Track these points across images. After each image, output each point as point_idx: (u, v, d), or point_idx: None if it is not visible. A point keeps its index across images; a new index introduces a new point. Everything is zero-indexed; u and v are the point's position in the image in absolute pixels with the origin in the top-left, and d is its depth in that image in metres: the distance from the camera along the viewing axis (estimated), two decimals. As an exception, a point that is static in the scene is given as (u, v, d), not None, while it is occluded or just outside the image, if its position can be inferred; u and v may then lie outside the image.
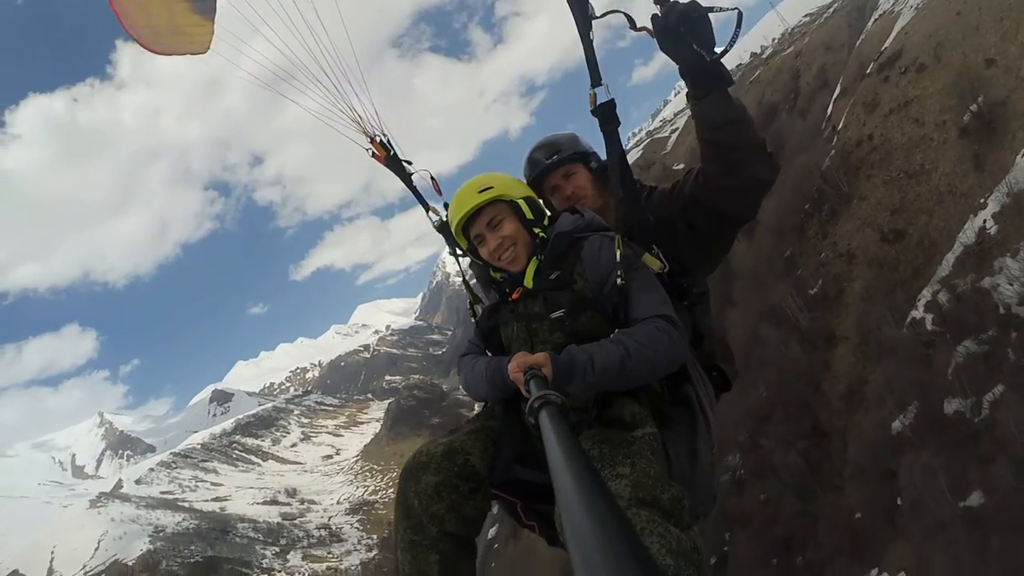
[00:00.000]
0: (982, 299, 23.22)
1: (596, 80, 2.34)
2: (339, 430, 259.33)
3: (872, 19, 52.36)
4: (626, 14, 2.28)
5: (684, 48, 2.18)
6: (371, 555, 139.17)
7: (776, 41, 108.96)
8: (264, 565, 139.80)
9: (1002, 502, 18.09)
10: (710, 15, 2.15)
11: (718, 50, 2.19)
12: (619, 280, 2.24)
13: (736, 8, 2.15)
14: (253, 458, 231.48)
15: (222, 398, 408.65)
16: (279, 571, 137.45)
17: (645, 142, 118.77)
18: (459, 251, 2.74)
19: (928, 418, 23.09)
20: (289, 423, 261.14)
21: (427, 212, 2.99)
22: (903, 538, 23.93)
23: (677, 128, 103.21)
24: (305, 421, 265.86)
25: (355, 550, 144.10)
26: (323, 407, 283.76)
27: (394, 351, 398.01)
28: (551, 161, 2.85)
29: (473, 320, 2.67)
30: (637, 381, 2.14)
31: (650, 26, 2.21)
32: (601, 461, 1.92)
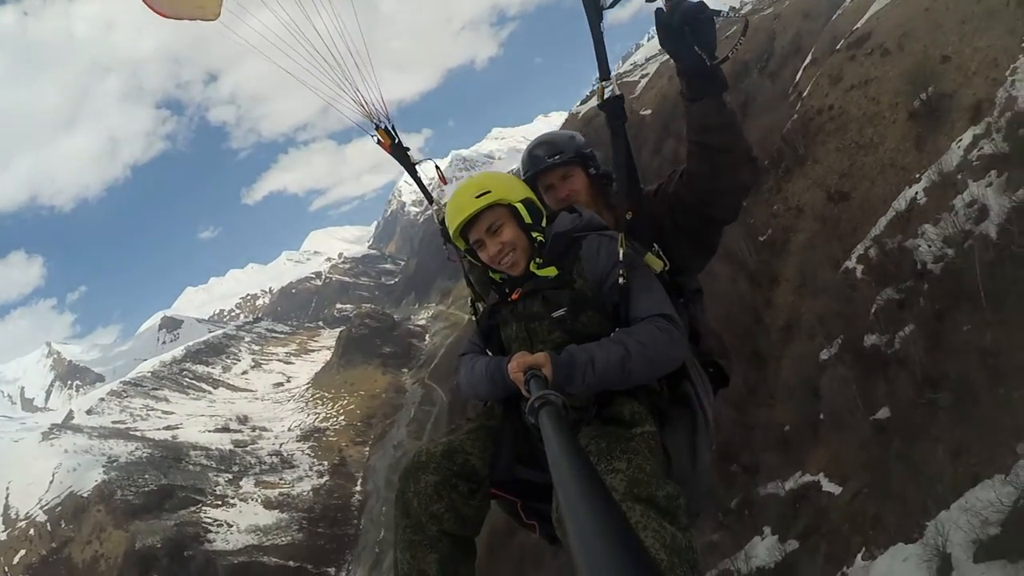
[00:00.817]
0: (904, 256, 26.40)
1: (605, 73, 2.26)
2: (290, 357, 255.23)
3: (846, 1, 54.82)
4: None
5: (685, 48, 2.12)
6: (322, 481, 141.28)
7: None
8: (218, 492, 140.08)
9: (903, 414, 21.66)
10: (716, 19, 2.11)
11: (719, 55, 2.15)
12: (621, 279, 2.23)
13: (744, 17, 2.16)
14: (204, 386, 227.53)
15: (171, 325, 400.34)
16: (232, 498, 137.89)
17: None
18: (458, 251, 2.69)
19: (851, 349, 26.78)
20: (240, 350, 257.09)
21: (430, 204, 2.98)
22: (823, 445, 27.37)
23: (648, 73, 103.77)
24: (256, 348, 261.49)
25: (307, 476, 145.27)
26: (274, 334, 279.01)
27: (346, 279, 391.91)
28: (552, 161, 2.81)
29: (473, 319, 2.65)
30: (637, 380, 2.13)
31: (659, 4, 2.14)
32: (598, 456, 1.94)
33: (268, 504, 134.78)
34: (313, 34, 2.71)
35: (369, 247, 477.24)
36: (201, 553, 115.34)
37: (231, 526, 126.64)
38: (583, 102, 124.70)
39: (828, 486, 24.13)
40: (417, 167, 3.05)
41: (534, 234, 2.38)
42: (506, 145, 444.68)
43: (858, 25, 42.39)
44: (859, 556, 17.22)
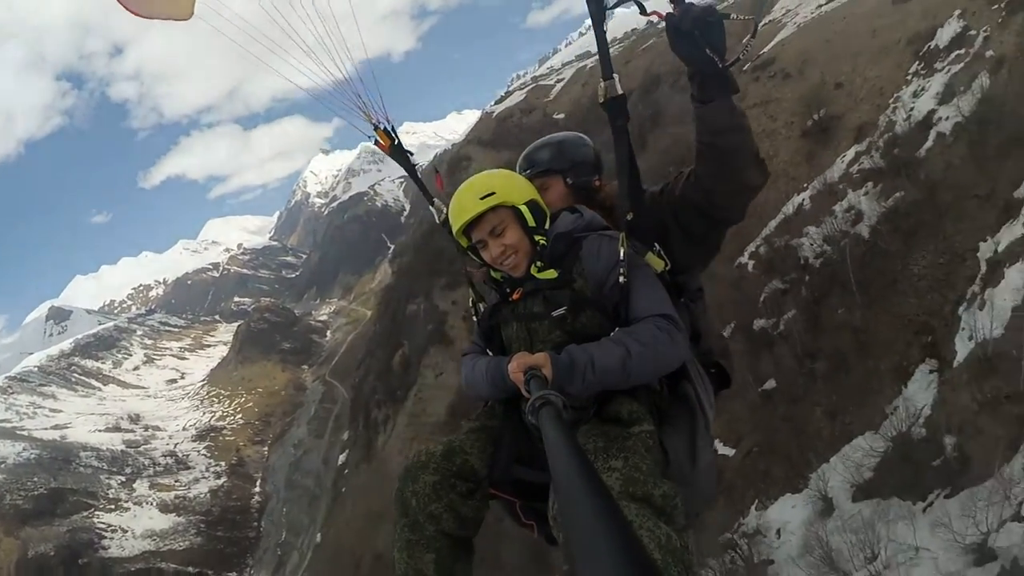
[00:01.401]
0: (789, 253, 28.94)
1: (608, 72, 2.28)
2: (184, 352, 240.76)
3: (762, 22, 58.78)
4: (638, 2, 2.23)
5: (696, 52, 2.13)
6: (220, 482, 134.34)
7: None
8: (111, 496, 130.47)
9: (786, 383, 24.19)
10: (725, 21, 2.11)
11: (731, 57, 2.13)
12: (621, 278, 2.23)
13: (752, 17, 2.18)
14: (93, 382, 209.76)
15: (59, 316, 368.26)
16: (126, 501, 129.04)
17: (529, 86, 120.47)
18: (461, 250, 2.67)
19: (743, 331, 28.71)
20: (131, 344, 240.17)
21: (430, 204, 2.97)
22: (722, 414, 30.34)
23: (563, 79, 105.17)
24: (148, 342, 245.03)
25: (203, 477, 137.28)
26: (167, 328, 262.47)
27: (245, 271, 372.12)
28: (526, 174, 2.78)
29: (474, 319, 2.67)
30: (637, 380, 2.14)
31: (663, 12, 2.16)
32: (595, 454, 1.94)
33: (164, 507, 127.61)
34: (307, 32, 2.68)
35: (270, 238, 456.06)
36: (97, 560, 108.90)
37: (126, 531, 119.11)
38: (498, 101, 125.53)
39: (723, 450, 26.40)
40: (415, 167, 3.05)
41: (537, 237, 2.38)
42: (417, 140, 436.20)
43: (765, 50, 45.89)
44: (753, 507, 19.09)
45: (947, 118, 21.30)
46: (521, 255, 2.40)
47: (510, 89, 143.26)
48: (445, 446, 2.27)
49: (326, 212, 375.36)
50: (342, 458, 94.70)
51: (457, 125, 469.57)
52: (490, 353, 2.49)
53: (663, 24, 2.17)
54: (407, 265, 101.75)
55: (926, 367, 15.48)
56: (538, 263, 2.39)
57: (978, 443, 10.52)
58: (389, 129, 2.95)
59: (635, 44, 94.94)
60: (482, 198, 2.35)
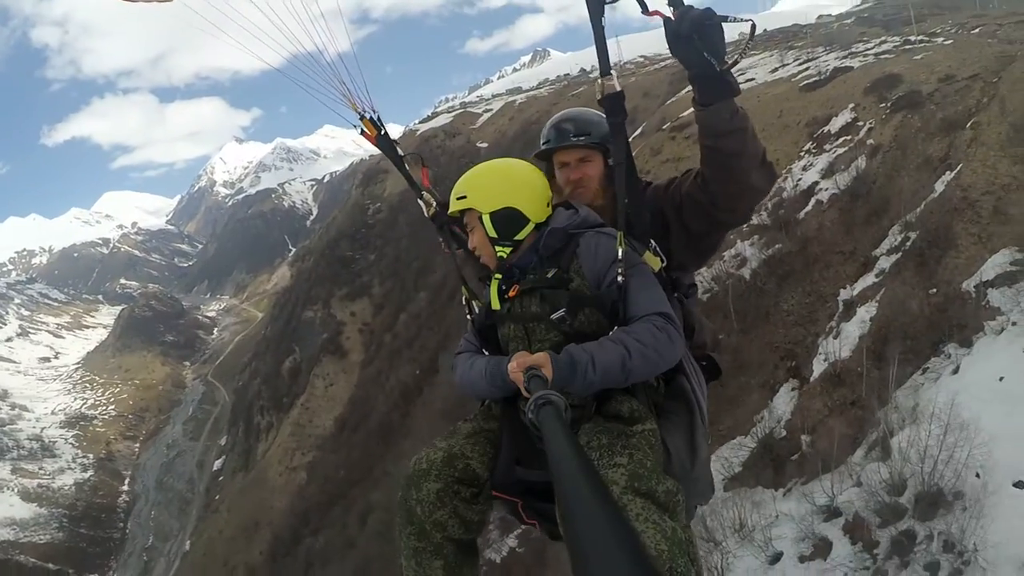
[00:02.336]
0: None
1: (606, 68, 2.26)
2: (61, 330, 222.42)
3: (685, 90, 63.29)
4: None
5: (695, 55, 2.11)
6: (87, 475, 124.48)
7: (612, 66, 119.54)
8: None
9: None
10: (723, 24, 2.09)
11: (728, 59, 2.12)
12: (620, 277, 2.20)
13: (750, 20, 2.15)
14: None
15: None
16: None
17: (457, 111, 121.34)
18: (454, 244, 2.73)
19: None
20: (7, 313, 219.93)
21: (419, 199, 2.93)
22: None
23: (492, 110, 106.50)
24: (25, 314, 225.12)
25: (69, 468, 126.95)
26: (47, 301, 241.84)
27: (136, 252, 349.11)
28: (577, 141, 2.67)
29: (468, 317, 2.63)
30: (637, 379, 2.12)
31: (664, 12, 2.13)
32: (599, 451, 1.96)
33: (26, 496, 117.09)
34: (290, 19, 2.67)
35: (167, 222, 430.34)
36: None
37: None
38: (424, 120, 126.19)
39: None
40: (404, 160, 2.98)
41: (497, 249, 2.36)
42: (335, 145, 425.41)
43: (683, 114, 49.58)
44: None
45: (826, 189, 24.76)
46: (486, 257, 2.43)
47: (437, 110, 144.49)
48: (445, 451, 2.25)
49: (230, 203, 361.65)
50: (218, 464, 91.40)
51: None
52: (485, 352, 2.46)
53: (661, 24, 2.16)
54: (308, 270, 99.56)
55: (789, 385, 17.85)
56: (496, 276, 2.39)
57: (828, 439, 12.31)
58: (375, 119, 2.91)
59: (566, 89, 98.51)
60: (458, 198, 2.40)
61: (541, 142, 2.79)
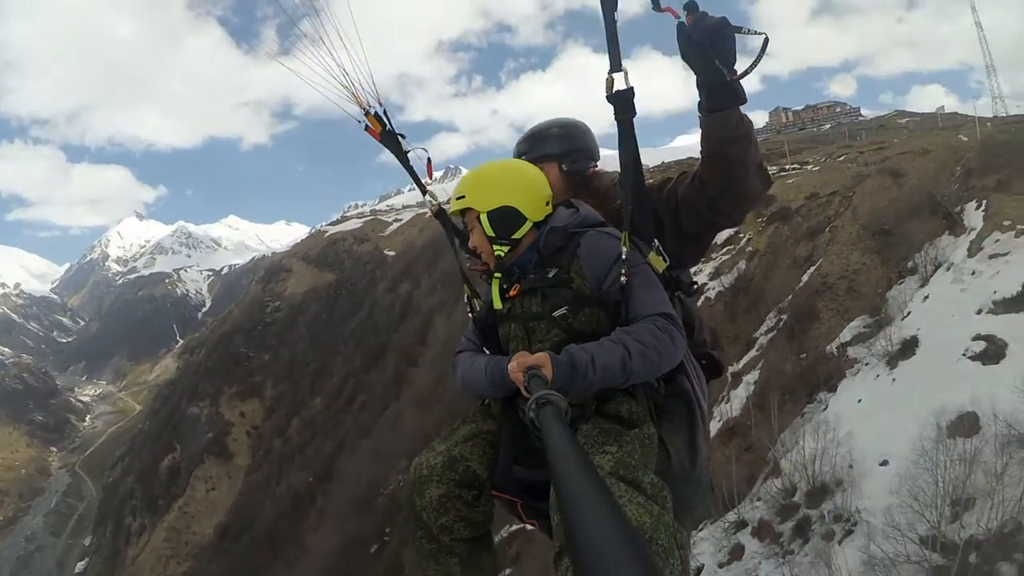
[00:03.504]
0: None
1: (616, 65, 2.26)
2: None
3: None
4: None
5: (706, 62, 2.12)
6: None
7: None
8: None
9: None
10: (737, 35, 2.09)
11: (738, 69, 2.13)
12: (623, 277, 2.19)
13: (764, 33, 2.13)
14: None
15: None
16: None
17: (367, 217, 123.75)
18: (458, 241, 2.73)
19: None
20: None
21: (424, 195, 2.94)
22: None
23: (401, 220, 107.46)
24: None
25: None
26: None
27: (14, 316, 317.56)
28: (524, 156, 2.78)
29: (470, 315, 2.62)
30: (637, 380, 2.11)
31: (675, 10, 2.13)
32: (592, 442, 1.99)
33: None
34: (294, 10, 2.63)
35: (52, 290, 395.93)
36: None
37: None
38: (333, 222, 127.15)
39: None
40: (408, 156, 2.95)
41: (495, 247, 2.34)
42: (237, 236, 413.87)
43: None
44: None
45: (713, 288, 30.63)
46: (486, 256, 2.39)
47: (347, 214, 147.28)
48: (444, 455, 2.22)
49: (120, 281, 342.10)
50: (80, 566, 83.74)
51: (282, 235, 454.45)
52: (486, 351, 2.43)
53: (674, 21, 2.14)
54: (198, 363, 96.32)
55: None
56: (496, 275, 2.36)
57: (729, 481, 15.26)
58: (380, 114, 2.87)
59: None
60: (457, 198, 2.39)
61: (515, 152, 2.92)
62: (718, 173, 2.38)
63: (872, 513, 11.03)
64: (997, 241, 17.75)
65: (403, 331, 67.55)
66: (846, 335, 19.89)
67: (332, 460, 56.46)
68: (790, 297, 26.15)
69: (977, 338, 13.92)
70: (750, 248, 32.13)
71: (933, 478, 10.15)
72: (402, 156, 2.96)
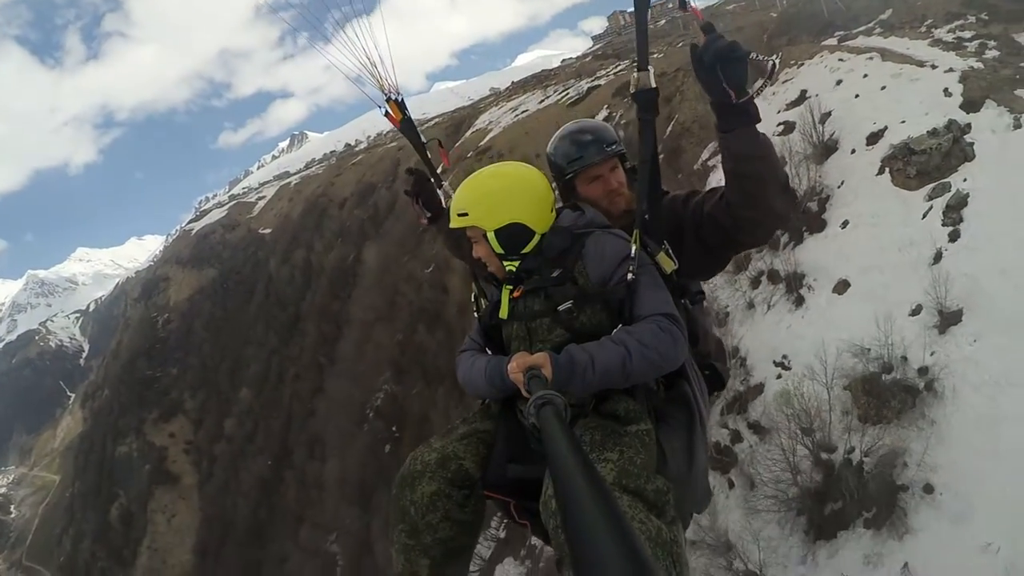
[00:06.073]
0: None
1: (644, 63, 2.31)
2: None
3: (470, 131, 67.51)
4: None
5: (716, 84, 2.15)
6: None
7: (374, 137, 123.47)
8: None
9: None
10: (747, 59, 2.12)
11: (751, 89, 2.19)
12: (630, 275, 2.19)
13: (772, 60, 2.19)
14: None
15: None
16: None
17: (229, 204, 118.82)
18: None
19: None
20: None
21: (438, 187, 2.99)
22: None
23: (264, 196, 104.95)
24: None
25: None
26: None
27: None
28: (611, 151, 2.71)
29: (475, 315, 2.58)
30: (637, 380, 2.12)
31: (699, 10, 2.24)
32: (591, 446, 1.95)
33: None
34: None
35: None
36: None
37: None
38: (194, 219, 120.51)
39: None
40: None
41: (506, 263, 2.34)
42: (92, 268, 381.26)
43: (482, 143, 56.38)
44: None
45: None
46: (493, 267, 2.40)
47: (205, 208, 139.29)
48: (439, 453, 2.21)
49: None
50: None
51: (137, 252, 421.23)
52: (489, 351, 2.44)
53: (690, 19, 2.41)
54: (106, 404, 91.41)
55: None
56: (507, 287, 2.36)
57: None
58: (401, 102, 2.88)
59: (343, 161, 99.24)
60: (459, 215, 2.33)
61: (565, 161, 2.78)
62: (739, 191, 2.39)
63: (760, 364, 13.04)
64: (785, 72, 24.87)
65: (316, 289, 67.08)
66: (705, 155, 25.88)
67: (284, 435, 55.99)
68: (661, 143, 30.13)
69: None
70: (623, 121, 38.15)
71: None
72: (418, 143, 3.00)
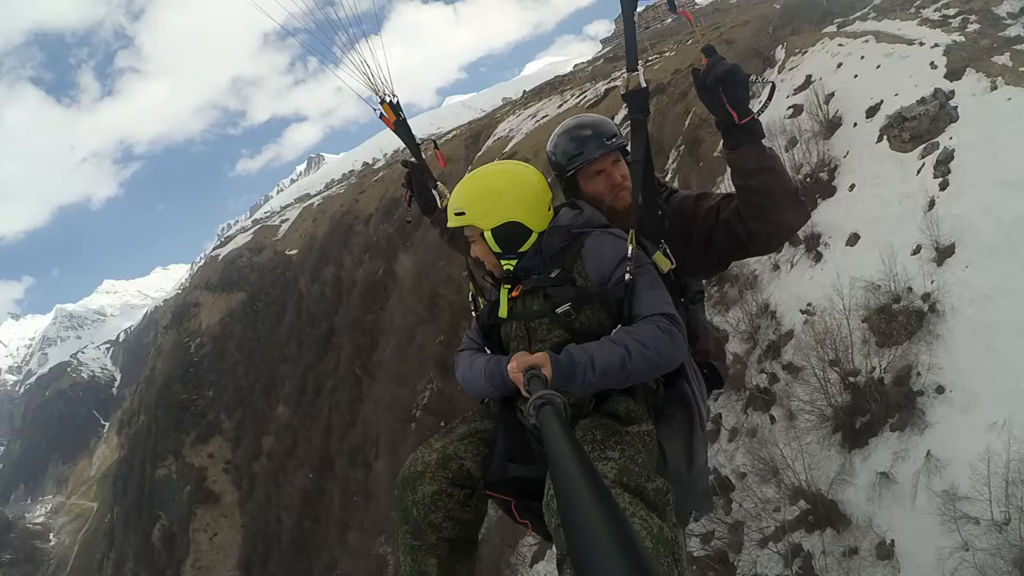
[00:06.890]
0: None
1: (633, 64, 2.36)
2: None
3: (491, 139, 67.91)
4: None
5: (718, 104, 2.21)
6: None
7: (391, 154, 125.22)
8: None
9: None
10: (748, 81, 2.18)
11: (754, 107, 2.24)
12: (628, 275, 2.19)
13: (771, 82, 2.31)
14: None
15: None
16: None
17: (253, 228, 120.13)
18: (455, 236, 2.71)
19: None
20: None
21: (433, 188, 2.97)
22: None
23: (288, 219, 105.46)
24: None
25: None
26: None
27: None
28: (611, 144, 2.65)
29: (474, 314, 2.60)
30: (637, 380, 2.11)
31: (689, 12, 2.28)
32: (591, 445, 1.95)
33: None
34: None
35: None
36: None
37: None
38: (219, 245, 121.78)
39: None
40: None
41: (503, 262, 2.35)
42: (119, 300, 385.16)
43: (506, 150, 56.70)
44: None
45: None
46: (490, 265, 2.41)
47: (229, 234, 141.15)
48: (440, 453, 2.23)
49: (22, 390, 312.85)
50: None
51: (163, 282, 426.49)
52: (488, 351, 2.43)
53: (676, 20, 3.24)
54: (143, 429, 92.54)
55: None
56: (506, 286, 2.37)
57: None
58: (396, 103, 2.87)
59: (364, 179, 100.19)
60: (456, 214, 2.35)
61: (566, 158, 2.71)
62: (749, 204, 2.42)
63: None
64: (791, 60, 26.98)
65: (349, 303, 67.21)
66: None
67: (326, 447, 56.49)
68: (681, 135, 32.42)
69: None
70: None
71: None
72: (413, 143, 3.05)
